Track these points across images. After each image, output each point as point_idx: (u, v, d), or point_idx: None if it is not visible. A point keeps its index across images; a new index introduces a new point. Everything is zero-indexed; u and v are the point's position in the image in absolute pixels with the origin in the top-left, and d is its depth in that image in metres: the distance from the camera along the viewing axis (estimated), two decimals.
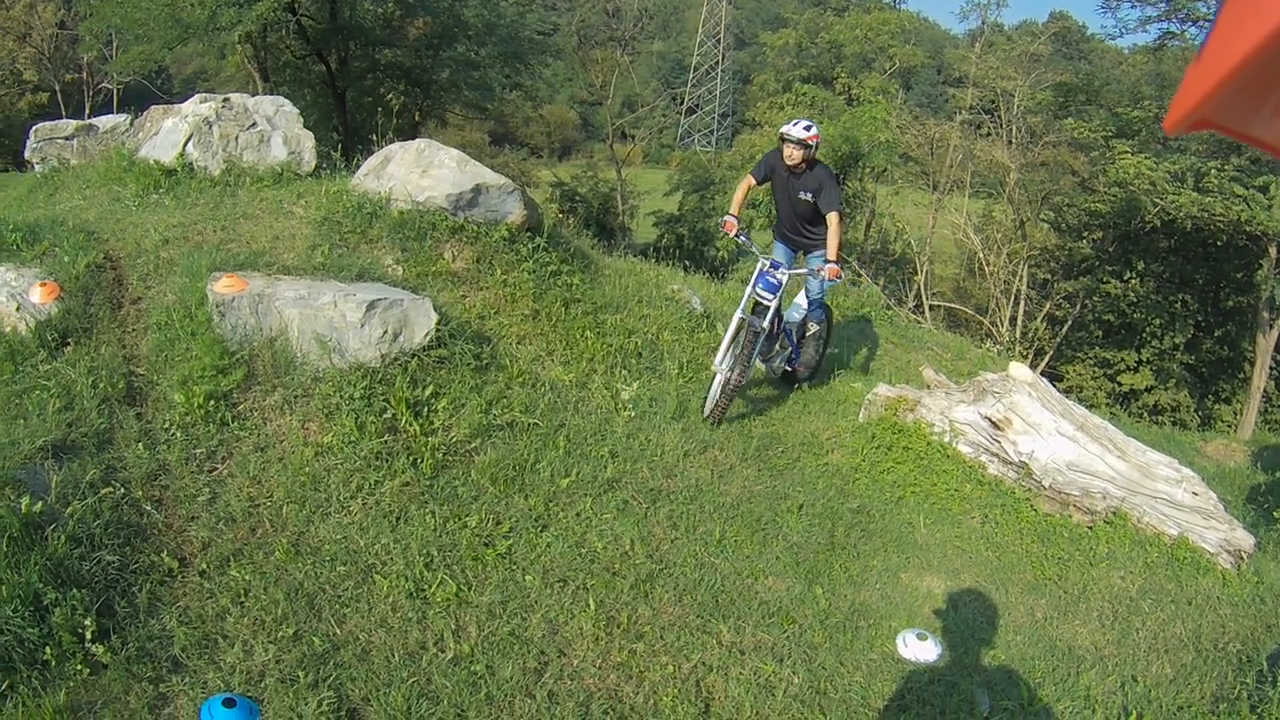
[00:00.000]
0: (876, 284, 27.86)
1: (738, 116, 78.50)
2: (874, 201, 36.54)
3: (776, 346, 9.99)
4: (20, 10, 43.06)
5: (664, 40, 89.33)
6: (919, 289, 33.09)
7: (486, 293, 9.05)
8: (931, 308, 32.81)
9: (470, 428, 7.41)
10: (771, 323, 9.19)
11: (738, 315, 8.89)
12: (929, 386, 9.33)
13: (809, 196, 9.44)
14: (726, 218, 9.32)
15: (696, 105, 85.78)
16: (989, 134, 36.00)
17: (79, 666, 4.99)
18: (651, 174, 60.87)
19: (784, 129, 9.39)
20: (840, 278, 8.99)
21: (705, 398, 9.21)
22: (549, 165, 61.23)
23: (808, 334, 10.37)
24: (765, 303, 9.01)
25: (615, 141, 53.94)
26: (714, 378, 9.11)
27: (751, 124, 46.48)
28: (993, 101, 36.30)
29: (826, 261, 8.92)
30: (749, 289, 9.14)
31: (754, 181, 9.85)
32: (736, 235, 9.26)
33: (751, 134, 44.75)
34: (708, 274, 18.27)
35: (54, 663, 4.95)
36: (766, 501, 7.70)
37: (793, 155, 9.24)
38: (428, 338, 7.79)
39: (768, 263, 9.15)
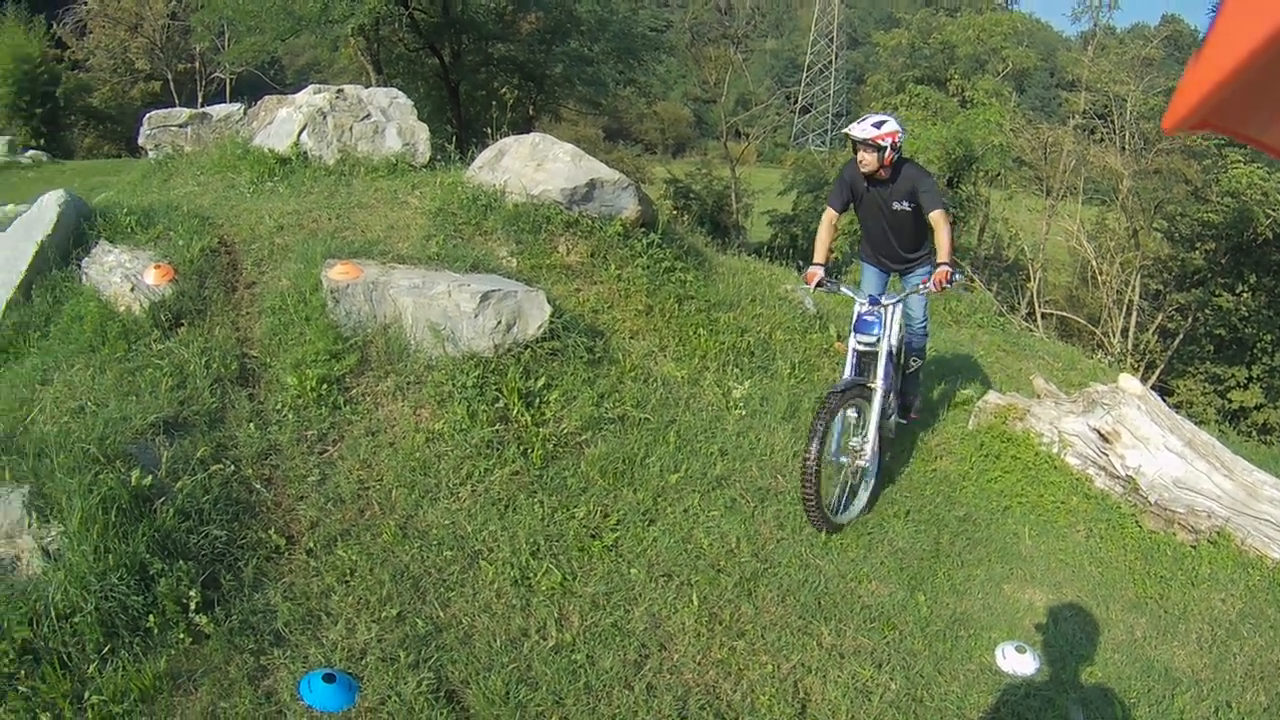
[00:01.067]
0: (989, 290, 27.49)
1: (851, 116, 78.01)
2: (987, 206, 36.08)
3: (891, 399, 8.07)
4: (132, 1, 43.82)
5: (777, 39, 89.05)
6: (1032, 296, 32.61)
7: (600, 287, 9.05)
8: (1044, 316, 32.28)
9: (581, 420, 7.41)
10: (889, 371, 7.61)
11: (837, 386, 7.36)
12: (1039, 396, 9.17)
13: (905, 205, 7.94)
14: (810, 268, 7.90)
15: (810, 104, 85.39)
16: (1102, 139, 35.27)
17: (181, 635, 5.12)
18: (765, 173, 60.64)
19: (849, 129, 7.92)
20: (953, 281, 7.42)
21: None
22: (663, 162, 61.24)
23: (909, 370, 8.72)
24: (870, 348, 7.57)
25: (729, 139, 53.91)
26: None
27: None
28: (1105, 106, 35.60)
29: (938, 265, 7.54)
30: (850, 344, 7.71)
31: (836, 213, 8.33)
32: (818, 286, 7.77)
33: None
34: None
35: (156, 630, 5.08)
36: (873, 506, 7.64)
37: (865, 161, 7.74)
38: (541, 330, 7.81)
39: (866, 301, 7.65)
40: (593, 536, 6.41)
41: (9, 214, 12.89)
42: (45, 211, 8.96)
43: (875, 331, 7.50)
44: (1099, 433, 8.29)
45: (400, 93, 12.27)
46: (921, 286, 7.74)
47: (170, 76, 46.09)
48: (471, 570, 6.01)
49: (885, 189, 7.95)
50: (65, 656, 4.89)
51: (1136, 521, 7.87)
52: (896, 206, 7.97)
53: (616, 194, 9.68)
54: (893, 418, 8.18)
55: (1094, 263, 32.87)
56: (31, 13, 42.93)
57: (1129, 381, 8.72)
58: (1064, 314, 34.36)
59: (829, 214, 8.30)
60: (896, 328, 7.76)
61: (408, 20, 28.53)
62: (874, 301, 7.62)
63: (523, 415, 7.24)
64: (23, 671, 4.79)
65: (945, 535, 7.42)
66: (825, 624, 6.13)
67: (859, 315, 7.57)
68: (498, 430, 7.05)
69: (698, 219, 28.12)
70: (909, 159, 8.10)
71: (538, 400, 7.45)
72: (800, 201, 44.80)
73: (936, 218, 7.62)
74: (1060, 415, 8.62)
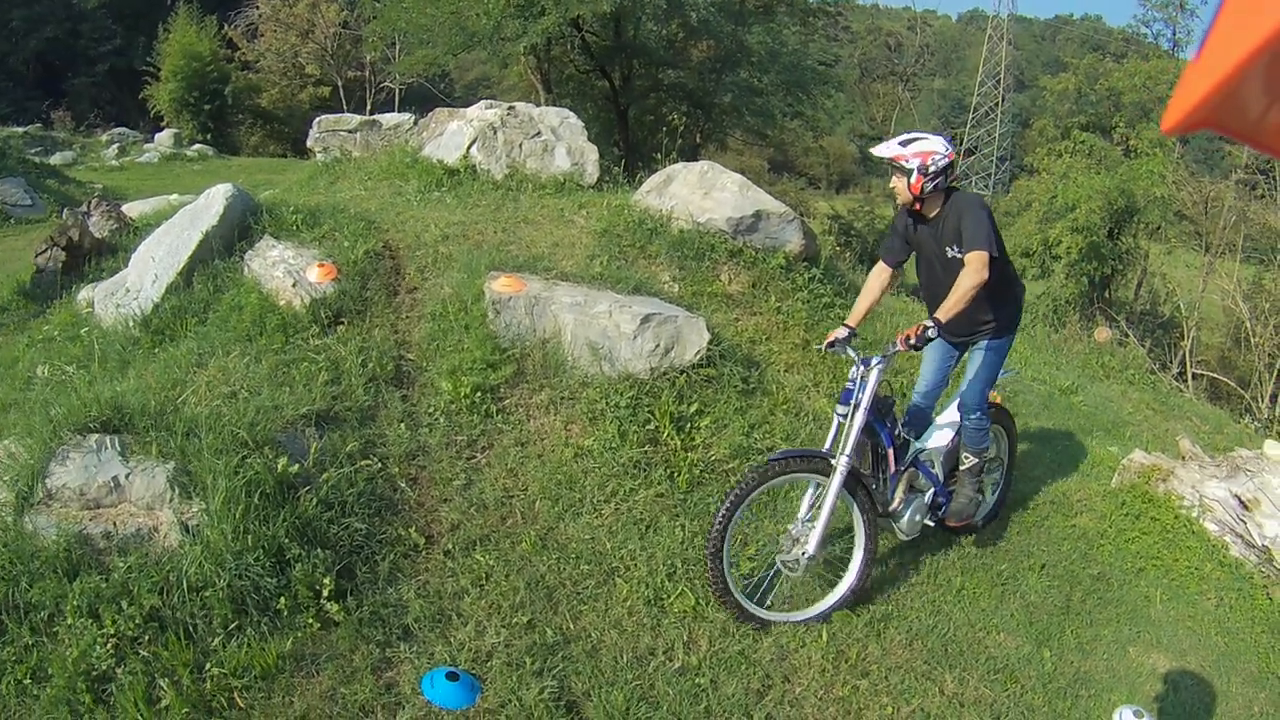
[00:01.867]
0: (1143, 346, 26.97)
1: (1016, 161, 76.59)
2: (1146, 260, 35.34)
3: (900, 489, 6.64)
4: (304, 8, 44.80)
5: (944, 78, 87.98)
6: (1184, 355, 31.87)
7: (759, 318, 9.06)
8: (1194, 376, 31.55)
9: (730, 448, 7.44)
10: (860, 445, 6.13)
11: (777, 453, 6.29)
12: (1184, 458, 8.97)
13: (958, 252, 6.12)
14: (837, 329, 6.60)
15: (975, 147, 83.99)
16: (1263, 195, 34.40)
17: (310, 620, 5.36)
18: None
19: (874, 148, 6.40)
20: (924, 339, 5.85)
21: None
22: (826, 196, 60.72)
23: (962, 468, 7.13)
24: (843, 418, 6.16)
25: None
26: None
27: (1029, 170, 45.25)
28: (1268, 161, 34.68)
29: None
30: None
31: (888, 267, 6.81)
32: (829, 347, 6.51)
33: (1029, 180, 43.62)
34: None
35: (286, 613, 5.32)
36: (1010, 558, 7.48)
37: (895, 188, 6.25)
38: (698, 355, 7.88)
39: (861, 364, 6.16)
40: (730, 564, 6.39)
41: (174, 204, 13.36)
42: (212, 203, 9.32)
43: (849, 400, 6.13)
44: (1239, 499, 8.10)
45: (571, 113, 12.45)
46: (888, 348, 6.11)
47: (340, 83, 47.08)
48: (606, 586, 6.11)
49: (935, 230, 6.36)
50: (191, 628, 5.17)
51: (1268, 594, 7.68)
52: (950, 254, 6.25)
53: (781, 226, 9.70)
54: (917, 517, 6.81)
55: (1248, 324, 32.04)
56: (203, 13, 44.69)
57: (1274, 448, 8.52)
58: (1215, 375, 33.45)
59: (879, 267, 6.83)
60: (870, 391, 6.06)
61: (579, 42, 28.83)
62: (864, 363, 6.13)
63: (673, 439, 7.31)
64: (146, 636, 5.07)
65: (1077, 592, 7.28)
66: (949, 671, 6.08)
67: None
68: (646, 451, 7.15)
69: (859, 256, 27.85)
70: (958, 188, 6.48)
71: (689, 425, 7.51)
72: None
73: (972, 259, 5.89)
74: (1203, 479, 8.43)
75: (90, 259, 12.09)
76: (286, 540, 5.57)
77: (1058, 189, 31.68)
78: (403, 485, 6.49)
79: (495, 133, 11.78)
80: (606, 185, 11.58)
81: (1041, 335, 19.22)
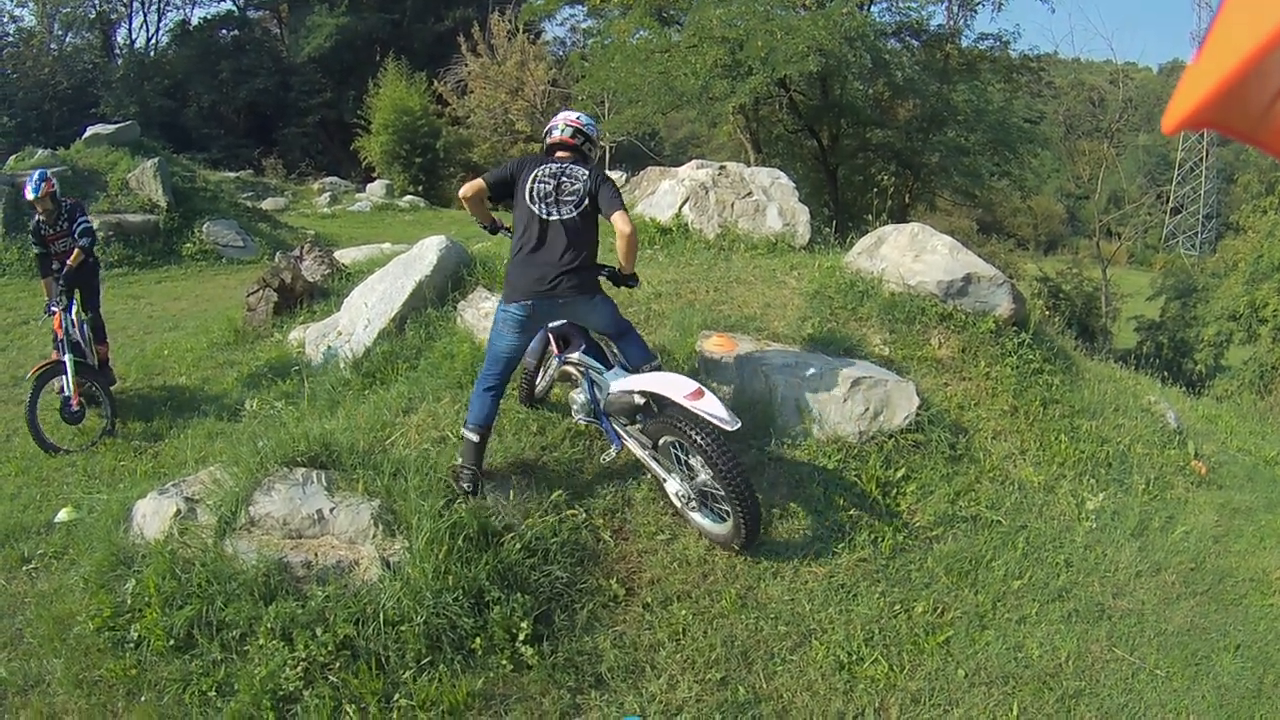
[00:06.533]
0: None
1: (1222, 219, 74.16)
2: None
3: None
4: (512, 66, 45.67)
5: (1148, 133, 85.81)
6: None
7: (968, 384, 8.94)
8: None
9: (934, 515, 7.37)
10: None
11: None
12: None
13: None
14: None
15: (1181, 205, 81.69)
16: None
17: (504, 661, 5.51)
18: (1135, 275, 58.47)
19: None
20: None
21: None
22: (1034, 258, 59.70)
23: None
24: None
25: (1100, 239, 52.33)
26: None
27: (1236, 228, 43.84)
28: None
29: None
30: None
31: None
32: None
33: (1235, 239, 42.25)
34: (1185, 387, 17.34)
35: (480, 653, 5.50)
36: (1204, 637, 7.18)
37: None
38: (907, 420, 7.83)
39: None
40: (927, 633, 6.36)
41: (387, 253, 13.75)
42: (426, 253, 9.60)
43: None
44: None
45: (782, 173, 12.52)
46: None
47: None
48: (802, 649, 6.07)
49: None
50: (384, 659, 5.39)
51: None
52: None
53: (991, 290, 9.56)
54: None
55: None
56: (413, 69, 46.30)
57: None
58: None
59: None
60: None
61: (787, 101, 28.89)
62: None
63: (878, 504, 7.26)
64: (338, 664, 5.33)
65: (1270, 675, 6.92)
66: None
67: None
68: (851, 515, 7.10)
69: (1067, 320, 27.32)
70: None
71: (894, 490, 7.46)
72: (1168, 309, 42.94)
73: None
74: None
75: (301, 301, 12.56)
76: (487, 583, 5.74)
77: (1263, 247, 30.60)
78: (606, 537, 6.58)
79: (707, 192, 11.90)
80: (817, 246, 11.59)
81: (1247, 402, 18.64)
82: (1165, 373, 19.31)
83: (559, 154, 6.89)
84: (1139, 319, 43.69)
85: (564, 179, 6.62)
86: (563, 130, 6.91)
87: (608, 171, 10.43)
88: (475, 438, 6.52)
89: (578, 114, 7.10)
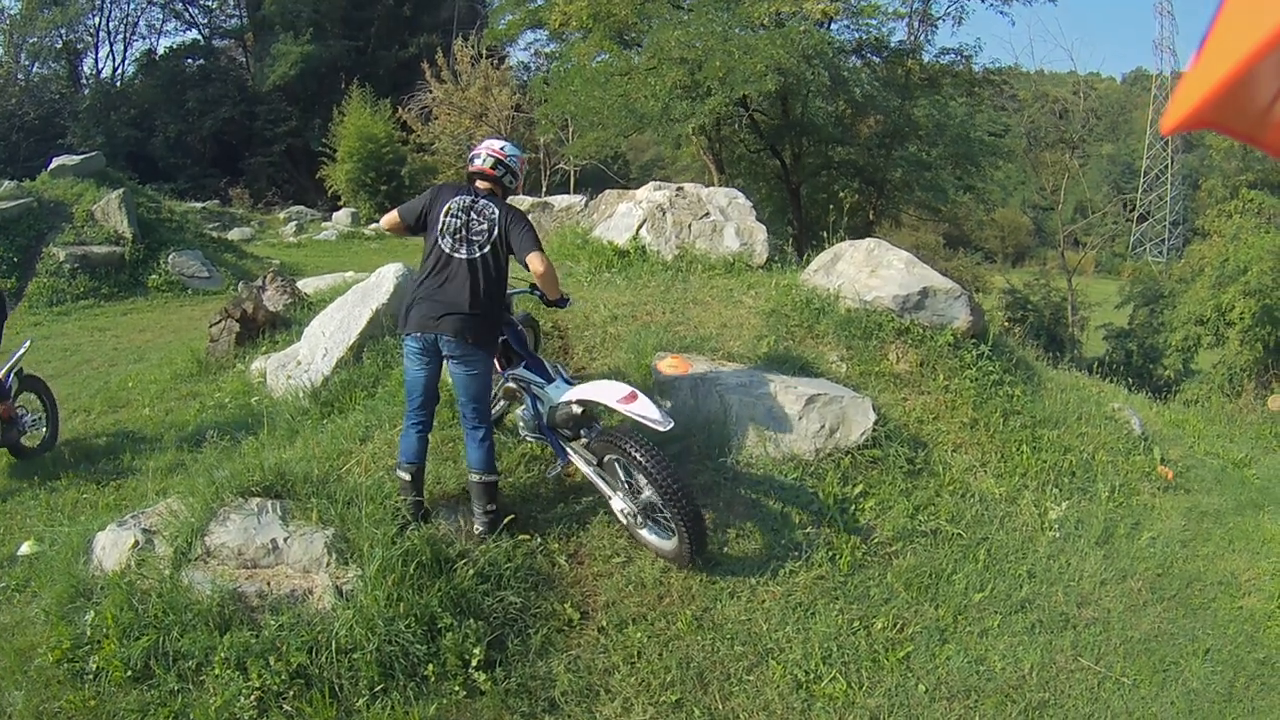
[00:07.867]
0: None
1: (1189, 225, 74.52)
2: None
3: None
4: (476, 92, 45.54)
5: (1113, 142, 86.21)
6: None
7: (927, 397, 8.98)
8: None
9: (894, 530, 7.37)
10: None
11: None
12: None
13: None
14: None
15: (1147, 212, 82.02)
16: None
17: (456, 688, 5.51)
18: (1103, 284, 58.71)
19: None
20: None
21: None
22: (1002, 270, 60.11)
23: None
24: None
25: (1066, 249, 52.71)
26: None
27: (1202, 233, 44.05)
28: None
29: None
30: None
31: None
32: None
33: (1201, 244, 42.46)
34: (1151, 393, 17.42)
35: (433, 679, 5.50)
36: (1172, 642, 7.21)
37: None
38: (864, 436, 7.84)
39: None
40: (886, 649, 6.36)
41: (348, 281, 13.78)
42: (383, 281, 9.63)
43: None
44: None
45: (739, 193, 12.58)
46: None
47: None
48: (759, 669, 6.06)
49: None
50: (337, 687, 5.40)
51: None
52: None
53: (949, 303, 9.61)
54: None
55: None
56: (377, 96, 46.39)
57: None
58: None
59: None
60: None
61: (748, 121, 28.96)
62: None
63: (835, 521, 7.25)
64: (292, 693, 5.32)
65: (1241, 679, 6.98)
66: None
67: None
68: (808, 533, 7.09)
69: (1034, 331, 27.35)
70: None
71: (852, 507, 7.45)
72: (1137, 315, 43.13)
73: None
74: None
75: (264, 331, 12.55)
76: (439, 609, 5.74)
77: (1229, 251, 30.80)
78: (561, 561, 6.58)
79: (664, 214, 11.95)
80: (775, 265, 11.63)
81: (1216, 405, 18.71)
82: (1135, 379, 19.41)
83: (478, 183, 6.92)
84: (1108, 327, 43.91)
85: (473, 215, 6.63)
86: (484, 160, 6.92)
87: (561, 197, 10.43)
88: (406, 476, 6.55)
89: (502, 143, 7.12)
